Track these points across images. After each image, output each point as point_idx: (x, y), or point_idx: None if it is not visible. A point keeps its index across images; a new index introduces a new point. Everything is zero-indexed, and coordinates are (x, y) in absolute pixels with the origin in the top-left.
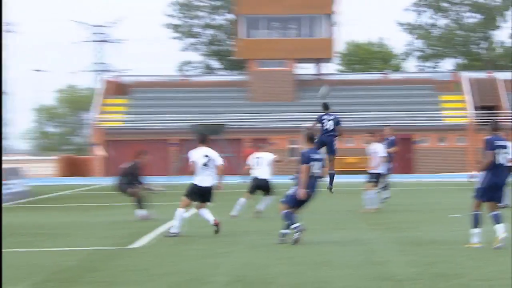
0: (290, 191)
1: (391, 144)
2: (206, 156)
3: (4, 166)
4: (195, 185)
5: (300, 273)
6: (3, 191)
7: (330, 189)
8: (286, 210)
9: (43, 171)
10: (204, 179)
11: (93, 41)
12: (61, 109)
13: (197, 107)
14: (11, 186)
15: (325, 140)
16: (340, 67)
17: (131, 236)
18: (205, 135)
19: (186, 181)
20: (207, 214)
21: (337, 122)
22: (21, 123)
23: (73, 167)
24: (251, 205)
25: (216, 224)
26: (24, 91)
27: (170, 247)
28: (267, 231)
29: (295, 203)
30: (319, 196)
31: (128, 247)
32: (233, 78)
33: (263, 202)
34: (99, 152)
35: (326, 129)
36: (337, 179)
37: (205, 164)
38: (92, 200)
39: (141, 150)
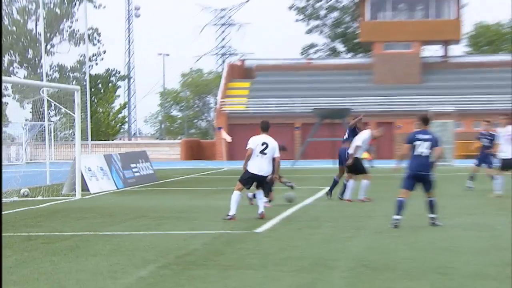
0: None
1: None
2: (264, 144)
3: (131, 149)
4: (249, 171)
5: (424, 258)
6: (132, 174)
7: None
8: (401, 198)
9: (167, 154)
10: (258, 167)
11: (218, 24)
12: (185, 93)
13: (320, 90)
14: (139, 169)
15: None
16: (468, 49)
17: (255, 220)
18: (268, 123)
19: (310, 165)
20: (260, 201)
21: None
22: (146, 107)
23: (197, 151)
24: (374, 189)
25: (261, 217)
26: (149, 75)
27: (294, 232)
28: (391, 215)
29: (408, 185)
30: (447, 180)
31: (253, 231)
32: (358, 61)
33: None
34: (223, 136)
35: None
36: (466, 163)
37: (262, 152)
38: (216, 184)
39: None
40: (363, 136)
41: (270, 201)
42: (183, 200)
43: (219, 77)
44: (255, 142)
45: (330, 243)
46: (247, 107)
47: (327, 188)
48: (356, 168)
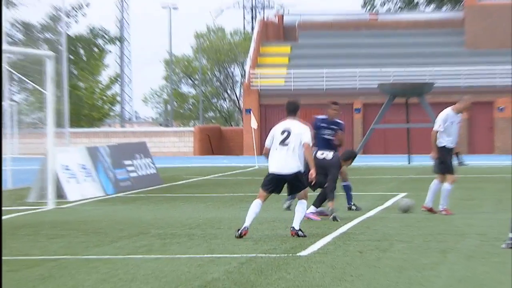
0: None
1: None
2: (285, 131)
3: (125, 140)
4: (270, 172)
5: None
6: (126, 175)
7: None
8: None
9: (176, 147)
10: (279, 163)
11: None
12: (200, 62)
13: (390, 57)
14: (136, 168)
15: None
16: None
17: (300, 239)
18: (295, 103)
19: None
20: (298, 213)
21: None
22: (146, 82)
23: (217, 143)
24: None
25: (293, 235)
26: (149, 36)
27: (354, 256)
28: (491, 232)
29: None
30: None
31: (296, 254)
32: (443, 16)
33: None
34: (252, 122)
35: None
36: None
37: (282, 143)
38: (243, 188)
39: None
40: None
41: (331, 212)
42: (197, 211)
43: (248, 39)
44: (272, 133)
45: (406, 271)
46: (286, 82)
47: (400, 195)
48: (443, 165)
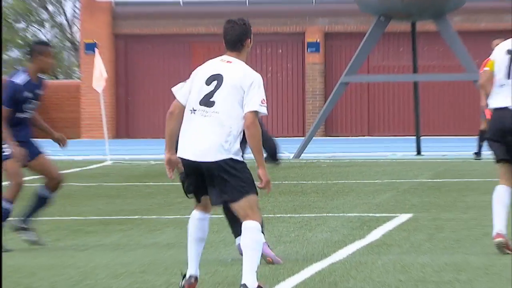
0: None
1: None
2: (213, 79)
3: None
4: (179, 157)
5: None
6: None
7: None
8: None
9: None
10: (196, 142)
11: None
12: None
13: None
14: None
15: None
16: None
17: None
18: (242, 28)
19: None
20: (247, 260)
21: None
22: None
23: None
24: None
25: None
26: None
27: None
28: None
29: None
30: None
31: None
32: None
33: None
34: (95, 76)
35: None
36: None
37: (206, 102)
38: (75, 208)
39: None
40: None
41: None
42: None
43: None
44: (190, 80)
45: None
46: None
47: (400, 218)
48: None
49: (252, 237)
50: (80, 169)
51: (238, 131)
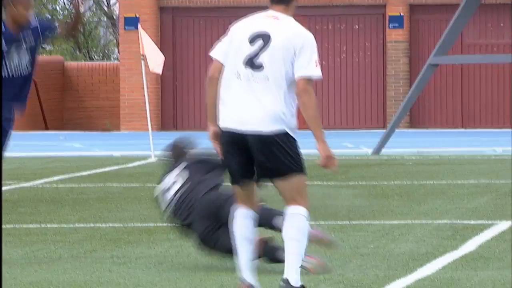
0: None
1: None
2: (259, 37)
3: None
4: (223, 128)
5: None
6: None
7: None
8: None
9: None
10: (244, 110)
11: None
12: None
13: None
14: None
15: None
16: None
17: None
18: None
19: None
20: (290, 253)
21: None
22: None
23: (56, 103)
24: None
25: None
26: None
27: None
28: None
29: None
30: None
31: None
32: None
33: None
34: (146, 51)
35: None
36: None
37: (253, 64)
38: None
39: None
40: None
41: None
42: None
43: None
44: (229, 39)
45: None
46: None
47: (500, 225)
48: None
49: (297, 225)
50: (119, 167)
51: (292, 100)
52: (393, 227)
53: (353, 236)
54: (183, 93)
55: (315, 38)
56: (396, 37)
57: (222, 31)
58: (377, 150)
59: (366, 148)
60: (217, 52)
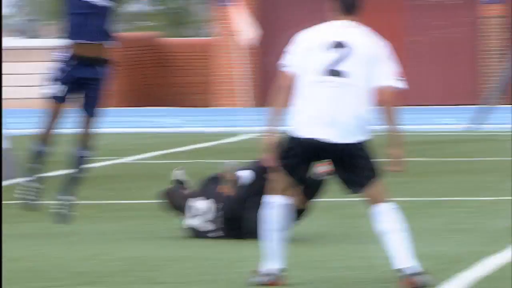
0: None
1: None
2: (340, 45)
3: None
4: (298, 137)
5: None
6: None
7: None
8: None
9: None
10: (326, 119)
11: None
12: None
13: None
14: None
15: None
16: None
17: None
18: None
19: None
20: (394, 243)
21: None
22: None
23: (151, 78)
24: None
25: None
26: None
27: None
28: None
29: None
30: None
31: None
32: None
33: None
34: (239, 25)
35: None
36: None
37: (335, 71)
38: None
39: None
40: None
41: None
42: (111, 242)
43: None
44: (302, 45)
45: None
46: None
47: None
48: None
49: (395, 218)
50: (213, 143)
51: (371, 109)
52: (489, 204)
53: (446, 212)
54: (274, 70)
55: (408, 14)
56: (493, 12)
57: (317, 4)
58: (473, 126)
59: (462, 123)
60: (289, 62)
